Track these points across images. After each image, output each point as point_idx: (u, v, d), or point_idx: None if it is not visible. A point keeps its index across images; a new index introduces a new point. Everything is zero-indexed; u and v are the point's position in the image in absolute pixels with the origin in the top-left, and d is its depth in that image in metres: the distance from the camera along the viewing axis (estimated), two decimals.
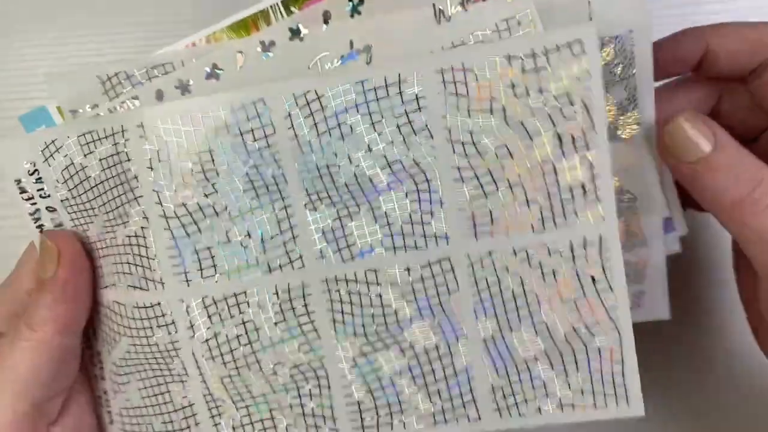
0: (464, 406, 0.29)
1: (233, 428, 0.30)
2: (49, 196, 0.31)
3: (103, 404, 0.32)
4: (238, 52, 0.28)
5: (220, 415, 0.30)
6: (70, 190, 0.30)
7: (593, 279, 0.27)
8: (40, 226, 0.31)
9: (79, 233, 0.31)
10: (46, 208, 0.31)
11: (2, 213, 0.43)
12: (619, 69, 0.29)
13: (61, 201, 0.31)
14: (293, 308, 0.29)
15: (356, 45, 0.28)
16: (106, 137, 0.28)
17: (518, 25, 0.27)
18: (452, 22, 0.28)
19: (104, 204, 0.30)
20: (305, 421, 0.30)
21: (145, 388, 0.31)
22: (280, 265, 0.28)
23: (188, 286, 0.29)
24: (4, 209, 0.43)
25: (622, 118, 0.29)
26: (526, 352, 0.28)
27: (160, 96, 0.29)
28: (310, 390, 0.29)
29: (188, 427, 0.30)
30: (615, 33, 0.28)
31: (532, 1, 0.27)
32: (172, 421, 0.31)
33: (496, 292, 0.28)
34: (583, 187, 0.27)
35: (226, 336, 0.29)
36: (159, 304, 0.29)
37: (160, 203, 0.28)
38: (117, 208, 0.29)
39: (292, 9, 0.28)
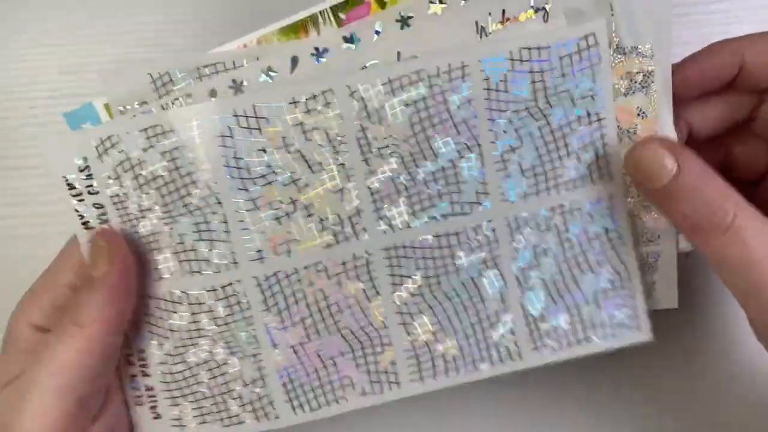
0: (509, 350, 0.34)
1: (305, 393, 0.33)
2: (98, 192, 0.32)
3: (145, 401, 0.34)
4: (292, 56, 0.30)
5: (291, 381, 0.33)
6: (122, 185, 0.32)
7: (606, 230, 0.33)
8: (85, 223, 0.32)
9: (127, 230, 0.32)
10: (93, 204, 0.32)
11: (3, 213, 0.43)
12: (640, 77, 0.32)
13: (111, 197, 0.32)
14: (358, 275, 0.32)
15: (403, 55, 0.30)
16: (171, 130, 0.30)
17: None
18: (492, 38, 0.30)
19: (165, 195, 0.31)
20: (370, 378, 0.33)
21: (210, 369, 0.33)
22: (347, 237, 0.32)
23: (262, 263, 0.32)
24: (4, 209, 0.43)
25: (642, 122, 0.32)
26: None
27: (213, 94, 0.31)
28: (374, 349, 0.33)
29: (259, 398, 0.33)
30: (636, 44, 0.32)
31: (565, 24, 0.30)
32: (241, 396, 0.33)
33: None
34: (596, 152, 0.32)
35: (297, 306, 0.32)
36: (231, 284, 0.32)
37: (235, 188, 0.31)
38: (182, 197, 0.31)
39: (340, 15, 0.30)
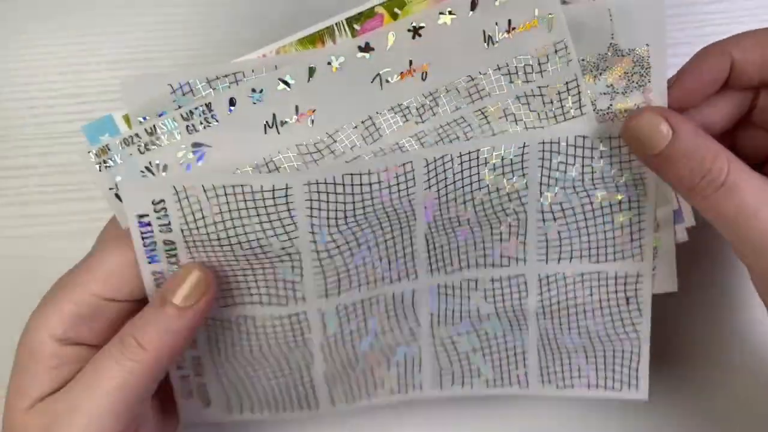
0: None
1: (344, 391, 0.39)
2: (171, 230, 0.33)
3: (195, 395, 0.38)
4: (309, 66, 0.32)
5: (335, 384, 0.38)
6: (198, 229, 0.33)
7: (627, 299, 0.38)
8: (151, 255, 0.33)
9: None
10: (163, 241, 0.33)
11: (3, 213, 0.44)
12: (637, 77, 0.35)
13: (182, 230, 0.33)
14: (403, 308, 0.38)
15: (414, 64, 0.32)
16: (258, 191, 0.33)
17: (555, 53, 0.32)
18: (498, 47, 0.33)
19: (242, 242, 0.34)
20: (399, 381, 0.39)
21: (266, 374, 0.38)
22: (399, 278, 0.37)
23: (326, 299, 0.36)
24: (4, 209, 0.44)
25: None
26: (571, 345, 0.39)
27: (232, 103, 0.32)
28: (406, 359, 0.39)
29: (306, 396, 0.38)
30: (633, 46, 0.34)
31: (567, 32, 0.32)
32: (290, 395, 0.38)
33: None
34: (631, 234, 0.37)
35: (350, 330, 0.37)
36: (297, 314, 0.36)
37: (314, 241, 0.34)
38: (261, 245, 0.34)
39: (355, 26, 0.32)
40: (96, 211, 0.44)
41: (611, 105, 0.35)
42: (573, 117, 0.34)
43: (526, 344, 0.39)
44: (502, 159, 0.35)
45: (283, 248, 0.34)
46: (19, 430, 0.31)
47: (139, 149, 0.33)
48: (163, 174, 0.33)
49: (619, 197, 0.36)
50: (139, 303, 0.33)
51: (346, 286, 0.36)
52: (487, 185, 0.35)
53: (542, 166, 0.35)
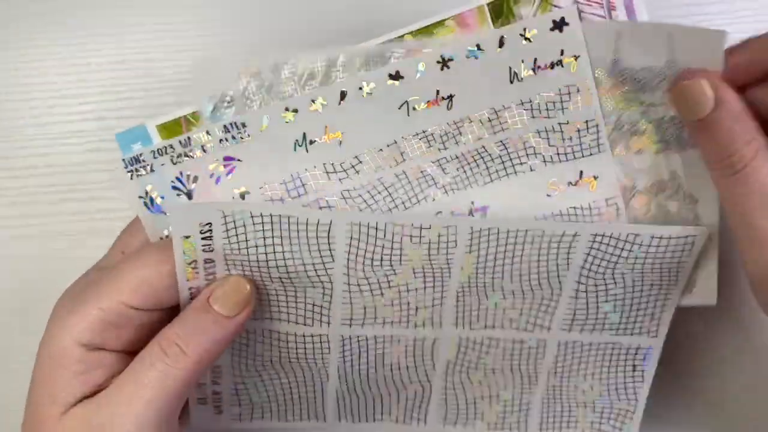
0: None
1: (352, 410, 0.41)
2: (213, 250, 0.34)
3: (209, 402, 0.39)
4: (341, 90, 0.34)
5: (345, 404, 0.41)
6: (240, 252, 0.35)
7: (634, 367, 0.40)
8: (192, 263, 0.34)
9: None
10: (204, 260, 0.34)
11: (3, 213, 0.44)
12: None
13: (223, 250, 0.35)
14: (422, 351, 0.40)
15: (441, 93, 0.34)
16: (306, 225, 0.34)
17: (577, 92, 0.35)
18: (523, 83, 0.36)
19: (279, 268, 0.35)
20: (405, 414, 0.42)
21: (282, 386, 0.40)
22: (423, 324, 0.39)
23: (350, 327, 0.38)
24: (4, 209, 0.44)
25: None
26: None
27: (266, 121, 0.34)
28: (415, 395, 0.41)
29: (315, 410, 0.41)
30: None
31: (590, 73, 0.36)
32: (300, 406, 0.41)
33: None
34: (652, 314, 0.39)
35: (366, 360, 0.39)
36: (320, 335, 0.38)
37: (347, 274, 0.36)
38: (297, 272, 0.35)
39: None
40: (96, 211, 0.45)
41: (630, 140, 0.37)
42: (591, 154, 0.37)
43: (533, 398, 0.42)
44: (549, 242, 0.36)
45: (317, 276, 0.36)
46: None
47: (171, 160, 0.34)
48: (193, 185, 0.35)
49: (651, 281, 0.38)
50: (164, 312, 0.35)
51: (371, 320, 0.38)
52: (529, 262, 0.37)
53: (588, 254, 0.37)
